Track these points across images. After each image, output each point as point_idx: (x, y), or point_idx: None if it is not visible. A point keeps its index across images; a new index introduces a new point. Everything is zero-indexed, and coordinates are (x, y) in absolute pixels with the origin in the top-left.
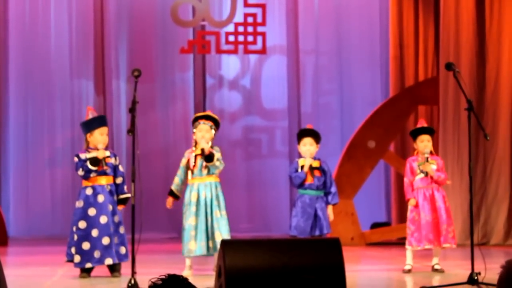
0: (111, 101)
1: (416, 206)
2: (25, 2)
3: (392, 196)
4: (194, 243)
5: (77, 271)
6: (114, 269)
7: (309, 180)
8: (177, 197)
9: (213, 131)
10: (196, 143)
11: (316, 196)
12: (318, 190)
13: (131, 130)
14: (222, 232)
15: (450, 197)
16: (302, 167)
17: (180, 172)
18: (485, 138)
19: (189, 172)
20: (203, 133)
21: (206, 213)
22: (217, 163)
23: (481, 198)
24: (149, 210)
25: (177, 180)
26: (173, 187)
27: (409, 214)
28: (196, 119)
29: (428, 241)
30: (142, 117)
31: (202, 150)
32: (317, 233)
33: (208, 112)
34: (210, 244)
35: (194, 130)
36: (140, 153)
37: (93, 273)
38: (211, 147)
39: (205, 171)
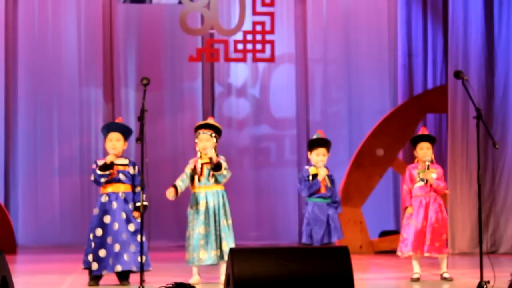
0: (120, 109)
1: (417, 212)
2: (35, 11)
3: (400, 205)
4: (204, 252)
5: (86, 279)
6: (123, 278)
7: (322, 190)
8: (177, 194)
9: (214, 139)
10: (200, 153)
11: (326, 204)
12: (327, 198)
13: (140, 138)
14: (229, 242)
15: (459, 206)
16: (314, 175)
17: (184, 177)
18: (494, 147)
19: (196, 181)
20: (204, 143)
21: (215, 221)
22: (225, 172)
23: (490, 206)
24: (157, 218)
25: (179, 182)
26: (177, 184)
27: (404, 221)
28: (197, 129)
29: (412, 248)
30: (151, 125)
31: (210, 159)
32: (331, 240)
33: (208, 121)
34: (218, 253)
35: (196, 140)
36: (148, 161)
37: (102, 282)
38: (217, 156)
39: (212, 180)
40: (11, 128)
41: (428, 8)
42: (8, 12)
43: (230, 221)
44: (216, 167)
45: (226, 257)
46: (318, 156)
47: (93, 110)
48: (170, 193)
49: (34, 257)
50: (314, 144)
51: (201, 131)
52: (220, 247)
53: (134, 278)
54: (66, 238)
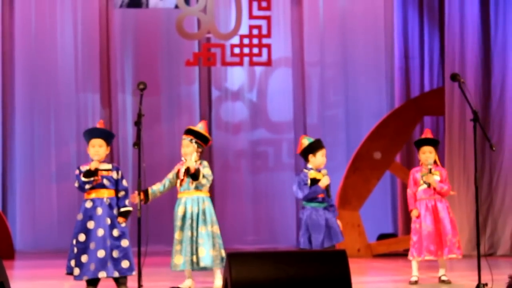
0: (117, 114)
1: (418, 217)
2: (31, 16)
3: (399, 207)
4: (180, 258)
5: (83, 284)
6: (120, 282)
7: (321, 194)
8: (147, 199)
9: (195, 145)
10: (184, 158)
11: (322, 207)
12: (323, 202)
13: (137, 143)
14: (206, 248)
15: (456, 208)
16: (313, 180)
17: (164, 182)
18: (491, 149)
19: (178, 186)
20: (184, 149)
21: (191, 227)
22: (203, 181)
23: (487, 208)
24: (155, 223)
25: (158, 185)
26: (150, 189)
27: (412, 225)
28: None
29: (429, 252)
30: (148, 130)
31: (188, 168)
32: (331, 243)
33: (190, 126)
34: (194, 259)
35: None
36: (146, 166)
37: (99, 286)
38: (200, 162)
39: (192, 186)
40: (8, 133)
41: (425, 11)
42: (5, 18)
43: (211, 228)
44: (193, 176)
45: (202, 264)
46: (323, 157)
47: (90, 116)
48: (133, 198)
49: (32, 262)
50: (319, 146)
51: (183, 137)
52: (197, 253)
53: (131, 283)
54: (64, 244)
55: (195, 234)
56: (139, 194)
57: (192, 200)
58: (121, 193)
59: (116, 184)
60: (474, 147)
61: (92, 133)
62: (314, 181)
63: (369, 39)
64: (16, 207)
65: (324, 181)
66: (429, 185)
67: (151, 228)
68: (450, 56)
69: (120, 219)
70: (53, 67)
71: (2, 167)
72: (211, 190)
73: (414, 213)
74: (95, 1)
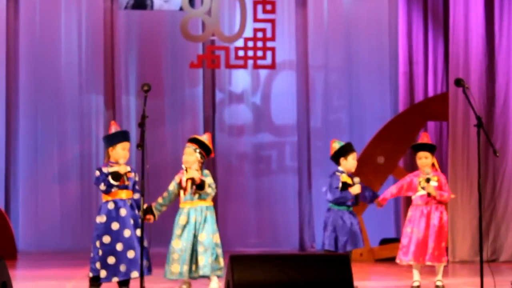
0: (121, 116)
1: (411, 221)
2: (35, 17)
3: (401, 212)
4: (177, 266)
5: (86, 285)
6: (123, 284)
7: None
8: (154, 216)
9: (198, 155)
10: (186, 168)
11: (348, 211)
12: (350, 206)
13: (141, 145)
14: (205, 257)
15: (459, 214)
16: (344, 184)
17: (165, 195)
18: (495, 155)
19: (181, 195)
20: (186, 157)
21: (193, 236)
22: (209, 190)
23: (490, 214)
24: (157, 225)
25: (160, 200)
26: (154, 206)
27: (404, 229)
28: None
29: (414, 257)
30: (152, 132)
31: (193, 179)
32: (352, 248)
33: (196, 136)
34: (193, 268)
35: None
36: (149, 167)
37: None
38: (201, 173)
39: (195, 196)
40: (12, 134)
41: (429, 16)
42: (9, 19)
43: (211, 236)
44: (199, 186)
45: (200, 272)
46: (354, 160)
47: (93, 117)
48: (149, 220)
49: (35, 262)
50: (349, 149)
51: (187, 145)
52: (196, 262)
53: (134, 285)
54: (66, 244)
55: (195, 243)
56: (142, 196)
57: (196, 211)
58: (136, 195)
59: (133, 186)
60: (478, 152)
61: (125, 136)
62: (345, 185)
63: (373, 43)
64: (19, 207)
65: (355, 189)
66: (429, 194)
67: (153, 230)
68: (454, 61)
69: (149, 217)
70: (57, 68)
71: (6, 167)
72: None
73: (378, 201)
74: (100, 3)
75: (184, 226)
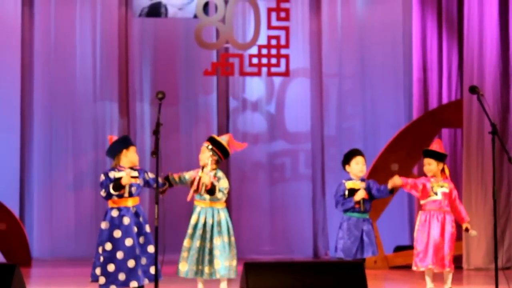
0: (135, 123)
1: (424, 225)
2: (51, 26)
3: (415, 220)
4: (184, 265)
5: None
6: None
7: (356, 206)
8: (171, 184)
9: (210, 152)
10: (202, 167)
11: (362, 219)
12: (364, 212)
13: (155, 152)
14: (221, 260)
15: (474, 221)
16: (350, 190)
17: (182, 177)
18: (510, 162)
19: (195, 194)
20: (200, 155)
21: (204, 238)
22: (219, 195)
23: (505, 221)
24: (172, 231)
25: (176, 178)
26: (170, 176)
27: (417, 234)
28: None
29: (433, 262)
30: (165, 140)
31: (204, 184)
32: (364, 255)
33: (214, 135)
34: (207, 270)
35: None
36: (163, 175)
37: None
38: (215, 174)
39: (208, 196)
40: (27, 142)
41: (443, 23)
42: (24, 27)
43: (228, 239)
44: (210, 191)
45: (217, 275)
46: (358, 165)
47: (108, 125)
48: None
49: (49, 270)
50: (354, 154)
51: (203, 143)
52: (211, 264)
53: None
54: (80, 251)
55: (207, 244)
56: (156, 203)
57: (207, 211)
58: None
59: (148, 184)
60: (493, 159)
61: (130, 140)
62: (353, 191)
63: (388, 50)
64: (34, 215)
65: (358, 195)
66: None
67: (168, 237)
68: (469, 68)
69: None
70: (71, 76)
71: (20, 175)
72: (228, 200)
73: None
74: (115, 10)
75: (195, 226)
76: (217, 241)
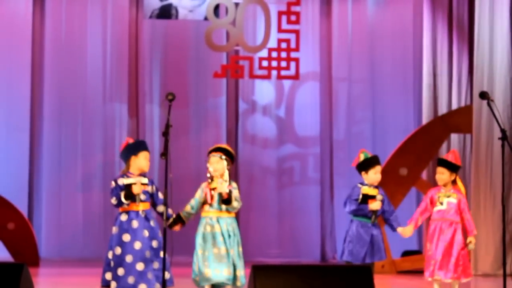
0: (144, 125)
1: (432, 235)
2: (61, 27)
3: (424, 224)
4: (209, 271)
5: None
6: None
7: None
8: (184, 222)
9: (224, 162)
10: (211, 177)
11: (371, 223)
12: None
13: (164, 154)
14: (240, 269)
15: (482, 227)
16: (364, 196)
17: (193, 203)
18: None
19: (207, 205)
20: (214, 165)
21: (228, 244)
22: (235, 204)
23: None
24: (180, 233)
25: (188, 208)
26: (182, 213)
27: (425, 244)
28: (208, 154)
29: (444, 273)
30: (175, 142)
31: (220, 194)
32: (373, 260)
33: (219, 145)
34: (230, 274)
35: (208, 165)
36: (172, 177)
37: None
38: (230, 183)
39: (223, 206)
40: (36, 142)
41: (454, 28)
42: (35, 27)
43: (240, 249)
44: (226, 201)
45: (239, 283)
46: (376, 175)
47: (117, 126)
48: (176, 228)
49: (57, 270)
50: (371, 164)
51: (211, 155)
52: (235, 270)
53: None
54: (88, 252)
55: (231, 252)
56: (165, 205)
57: (224, 220)
58: (160, 208)
59: (152, 198)
60: (502, 165)
61: (145, 145)
62: (365, 197)
63: (397, 55)
64: (42, 215)
65: (374, 205)
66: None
67: (175, 239)
68: (479, 74)
69: (176, 227)
70: (82, 77)
71: (29, 175)
72: None
73: (405, 230)
74: (125, 12)
75: (206, 234)
76: (233, 252)
